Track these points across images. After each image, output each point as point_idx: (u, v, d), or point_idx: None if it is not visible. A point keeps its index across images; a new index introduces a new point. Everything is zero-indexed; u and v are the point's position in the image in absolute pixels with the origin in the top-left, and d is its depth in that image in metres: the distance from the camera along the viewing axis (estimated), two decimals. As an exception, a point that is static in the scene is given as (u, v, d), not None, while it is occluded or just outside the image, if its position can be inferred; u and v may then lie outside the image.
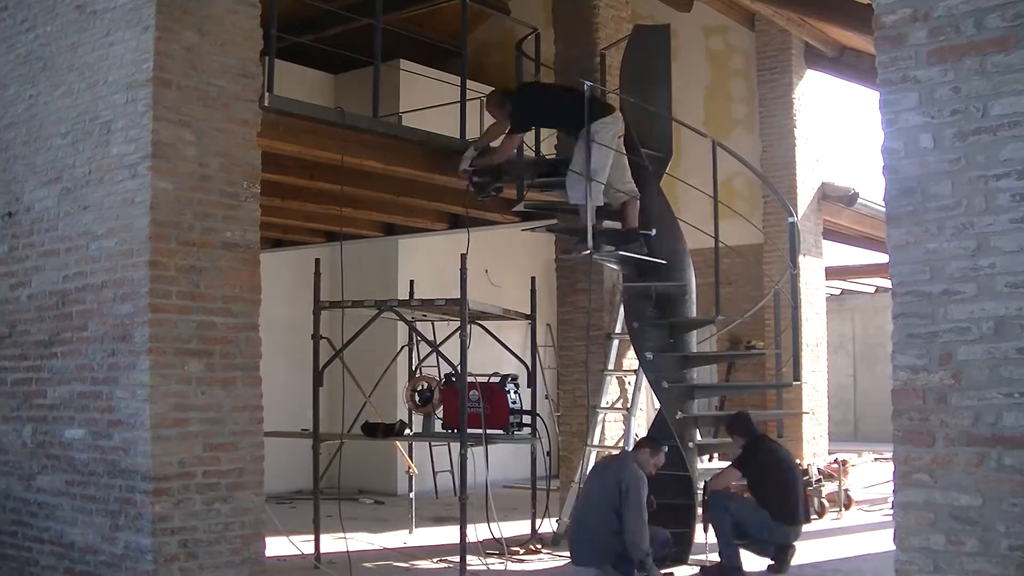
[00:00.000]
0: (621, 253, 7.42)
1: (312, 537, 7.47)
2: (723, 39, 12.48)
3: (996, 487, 3.16)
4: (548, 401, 10.39)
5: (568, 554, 6.94)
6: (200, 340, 5.14)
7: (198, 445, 5.07)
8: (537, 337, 8.70)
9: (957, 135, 3.31)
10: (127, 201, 5.11)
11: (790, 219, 8.19)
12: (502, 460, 9.84)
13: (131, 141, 5.11)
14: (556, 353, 10.14)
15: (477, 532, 7.22)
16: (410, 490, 9.09)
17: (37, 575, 5.46)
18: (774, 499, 6.90)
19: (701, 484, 7.31)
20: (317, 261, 7.79)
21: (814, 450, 11.36)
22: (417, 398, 7.81)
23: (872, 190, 11.85)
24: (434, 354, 8.05)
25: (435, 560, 7.46)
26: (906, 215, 3.42)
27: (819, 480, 9.77)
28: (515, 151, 7.31)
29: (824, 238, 12.26)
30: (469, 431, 7.03)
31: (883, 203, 3.55)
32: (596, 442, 8.44)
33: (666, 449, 6.76)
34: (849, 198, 11.91)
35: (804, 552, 7.50)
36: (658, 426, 7.55)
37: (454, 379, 7.52)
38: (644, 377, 7.83)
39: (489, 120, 7.65)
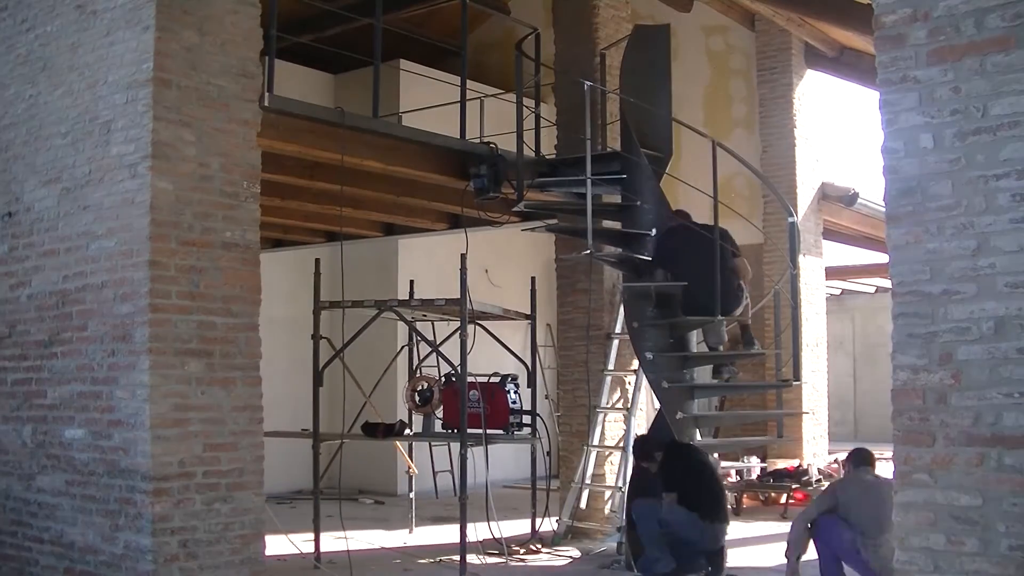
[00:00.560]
0: (622, 253, 7.43)
1: (312, 537, 7.47)
2: (723, 39, 12.48)
3: (996, 487, 3.16)
4: (548, 401, 10.40)
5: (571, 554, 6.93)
6: (200, 340, 5.14)
7: (198, 445, 5.07)
8: (537, 337, 8.70)
9: (957, 135, 3.31)
10: (127, 201, 5.11)
11: (790, 219, 8.19)
12: (502, 460, 9.84)
13: (131, 141, 5.11)
14: (556, 353, 10.15)
15: (477, 532, 7.22)
16: (410, 490, 9.09)
17: (37, 575, 5.46)
18: (702, 500, 6.77)
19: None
20: (317, 261, 7.79)
21: (814, 450, 11.36)
22: (417, 398, 7.81)
23: (872, 190, 11.86)
24: (434, 354, 8.05)
25: (435, 560, 7.46)
26: (906, 215, 3.42)
27: (819, 480, 9.76)
28: None
29: (824, 238, 12.27)
30: (469, 431, 7.03)
31: (883, 203, 3.55)
32: (596, 442, 8.44)
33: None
34: (849, 198, 11.91)
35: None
36: (658, 426, 7.55)
37: (454, 379, 7.52)
38: (644, 377, 7.82)
39: (489, 120, 7.65)
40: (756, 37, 12.08)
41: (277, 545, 7.46)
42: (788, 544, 6.13)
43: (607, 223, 7.88)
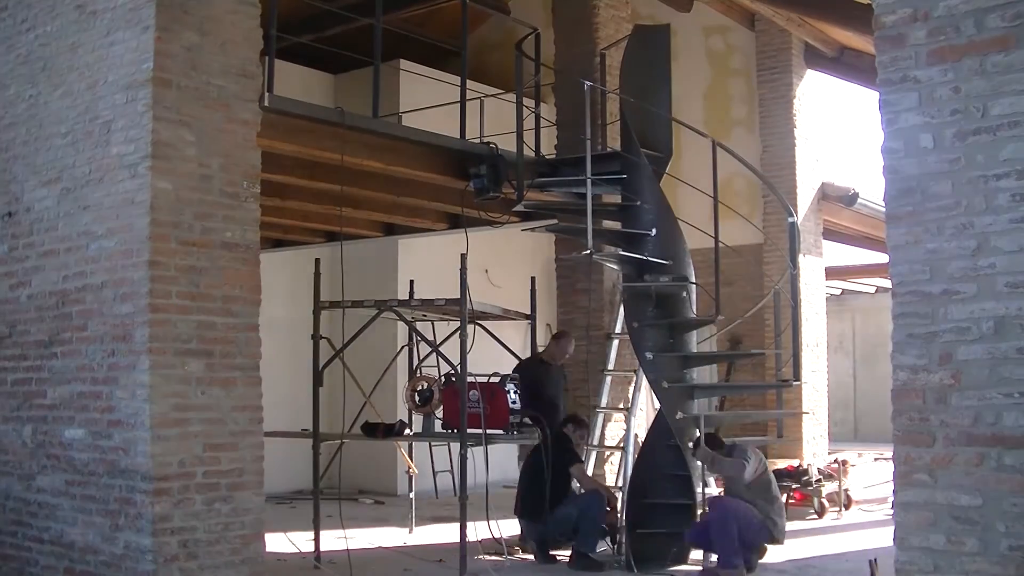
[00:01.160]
0: (621, 253, 7.43)
1: (312, 537, 7.46)
2: (723, 39, 12.49)
3: (996, 487, 3.16)
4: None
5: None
6: (200, 340, 5.14)
7: (198, 445, 5.06)
8: (537, 337, 8.70)
9: (957, 135, 3.31)
10: (127, 201, 5.11)
11: (790, 219, 8.19)
12: (502, 460, 9.83)
13: (131, 141, 5.11)
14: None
15: (477, 532, 7.22)
16: (410, 490, 9.09)
17: (37, 575, 5.46)
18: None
19: (699, 487, 7.31)
20: (317, 261, 7.79)
21: (814, 450, 11.37)
22: (417, 398, 7.81)
23: (872, 190, 11.86)
24: (434, 354, 8.05)
25: (436, 560, 7.46)
26: (906, 215, 3.42)
27: (819, 480, 9.77)
28: None
29: (824, 238, 12.27)
30: (469, 431, 7.03)
31: (883, 203, 3.56)
32: (596, 442, 8.43)
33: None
34: (849, 198, 11.92)
35: (800, 549, 7.53)
36: (658, 426, 7.55)
37: (454, 379, 7.52)
38: (644, 377, 7.82)
39: (489, 120, 7.65)
40: (756, 37, 12.08)
41: (277, 545, 7.47)
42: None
43: (607, 223, 7.89)
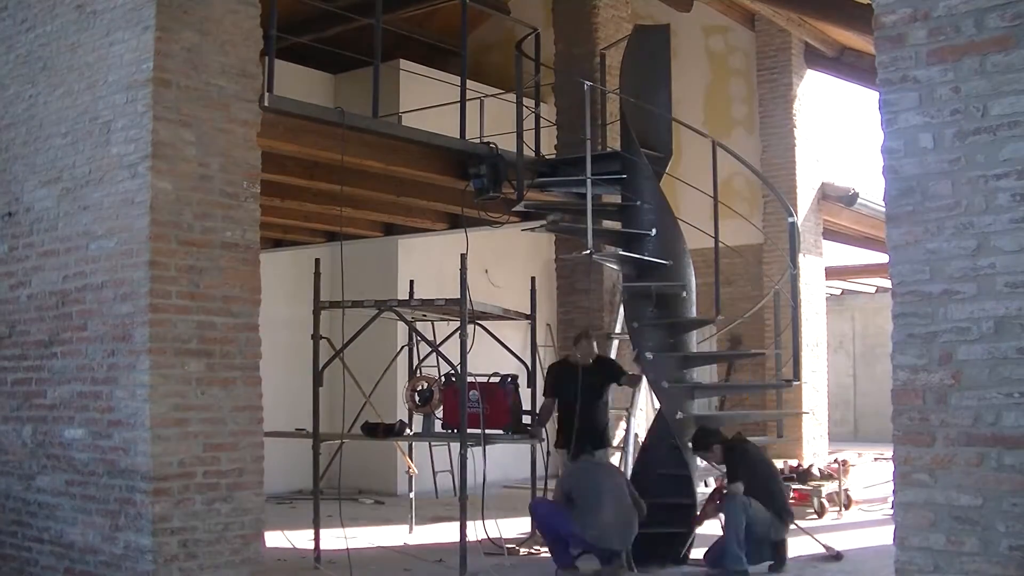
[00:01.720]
0: (622, 254, 7.43)
1: (312, 537, 7.47)
2: (723, 39, 12.49)
3: (996, 487, 3.16)
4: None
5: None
6: (200, 340, 5.14)
7: (198, 445, 5.06)
8: (537, 337, 8.70)
9: (957, 135, 3.31)
10: (127, 201, 5.11)
11: (790, 219, 8.20)
12: (502, 460, 9.84)
13: (131, 141, 5.11)
14: (556, 353, 10.15)
15: (477, 531, 7.22)
16: (410, 490, 9.09)
17: (37, 575, 5.46)
18: (770, 496, 6.93)
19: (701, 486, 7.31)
20: (317, 261, 7.79)
21: (814, 450, 11.37)
22: (417, 398, 7.81)
23: (872, 190, 11.86)
24: (434, 354, 8.05)
25: (435, 560, 7.46)
26: (906, 215, 3.42)
27: (819, 480, 9.78)
28: None
29: (824, 238, 12.28)
30: (469, 431, 7.03)
31: (883, 203, 3.56)
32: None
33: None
34: (849, 198, 11.92)
35: (801, 549, 7.54)
36: (658, 426, 7.55)
37: (454, 379, 7.51)
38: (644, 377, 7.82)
39: (489, 120, 7.64)
40: (756, 37, 12.09)
41: (277, 545, 7.48)
42: None
43: (607, 223, 7.89)
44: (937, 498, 3.28)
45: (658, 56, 8.25)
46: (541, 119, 8.26)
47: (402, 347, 8.95)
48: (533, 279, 8.75)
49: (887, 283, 3.88)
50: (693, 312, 7.72)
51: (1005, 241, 3.20)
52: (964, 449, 3.24)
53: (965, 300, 3.27)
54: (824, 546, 7.58)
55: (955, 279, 3.30)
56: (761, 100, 12.00)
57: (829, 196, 12.06)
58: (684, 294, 7.55)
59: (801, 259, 9.65)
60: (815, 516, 9.43)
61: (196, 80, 5.19)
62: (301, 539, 7.81)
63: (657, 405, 7.65)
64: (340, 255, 6.84)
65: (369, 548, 7.92)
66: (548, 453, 8.22)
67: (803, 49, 11.99)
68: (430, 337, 8.15)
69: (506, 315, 8.36)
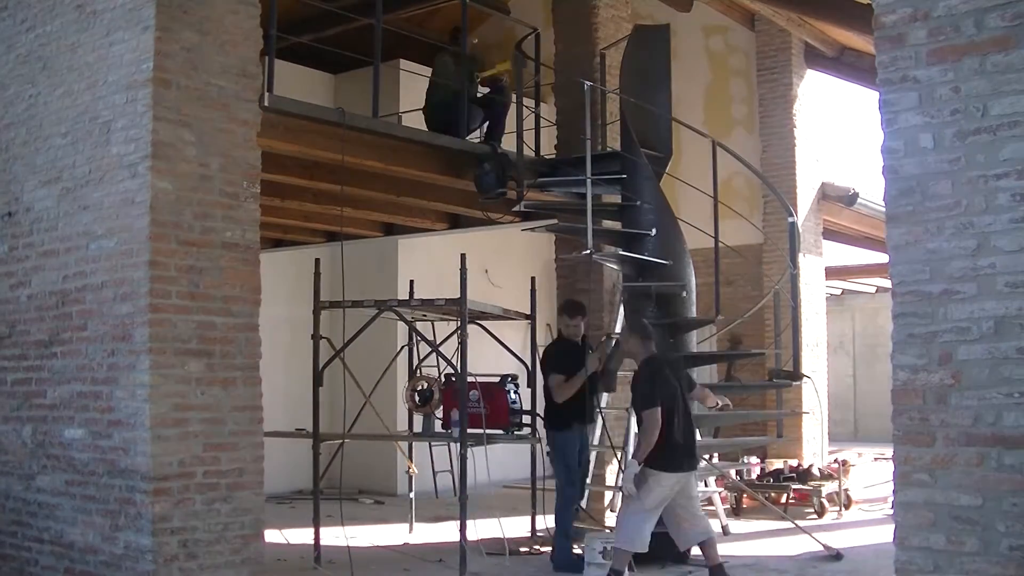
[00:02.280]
0: (621, 253, 7.43)
1: (312, 537, 7.46)
2: (723, 39, 12.49)
3: (996, 487, 3.16)
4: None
5: None
6: (200, 340, 5.14)
7: (198, 445, 5.07)
8: (537, 337, 8.69)
9: (957, 135, 3.31)
10: (127, 201, 5.11)
11: (790, 219, 8.19)
12: (502, 460, 9.84)
13: (131, 141, 5.11)
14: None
15: (477, 531, 7.22)
16: (410, 490, 9.09)
17: (37, 575, 5.46)
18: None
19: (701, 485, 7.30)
20: (317, 261, 7.78)
21: (814, 450, 11.37)
22: (417, 398, 7.81)
23: (872, 190, 11.86)
24: (434, 354, 8.05)
25: (435, 560, 7.46)
26: (906, 215, 3.42)
27: (819, 480, 9.78)
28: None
29: (824, 238, 12.27)
30: (469, 431, 7.03)
31: (883, 203, 3.56)
32: (596, 442, 8.43)
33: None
34: (849, 198, 11.92)
35: (801, 549, 7.53)
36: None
37: (454, 379, 7.51)
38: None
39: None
40: (756, 37, 12.08)
41: (277, 545, 7.47)
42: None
43: (607, 223, 7.88)
44: (937, 498, 3.29)
45: (658, 56, 8.25)
46: (541, 119, 8.26)
47: (402, 347, 8.94)
48: (533, 279, 8.74)
49: (887, 283, 3.87)
50: (693, 312, 7.72)
51: (1005, 241, 3.20)
52: (964, 449, 3.24)
53: (965, 300, 3.27)
54: (824, 546, 7.58)
55: (955, 279, 3.30)
56: (761, 100, 11.99)
57: (829, 196, 12.06)
58: (684, 294, 7.55)
59: (801, 259, 9.65)
60: (815, 516, 9.43)
61: (196, 80, 5.19)
62: (301, 539, 7.81)
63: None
64: (340, 255, 6.83)
65: (369, 548, 7.92)
66: (548, 453, 8.23)
67: (803, 49, 11.99)
68: (430, 337, 8.15)
69: (506, 315, 8.36)
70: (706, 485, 8.30)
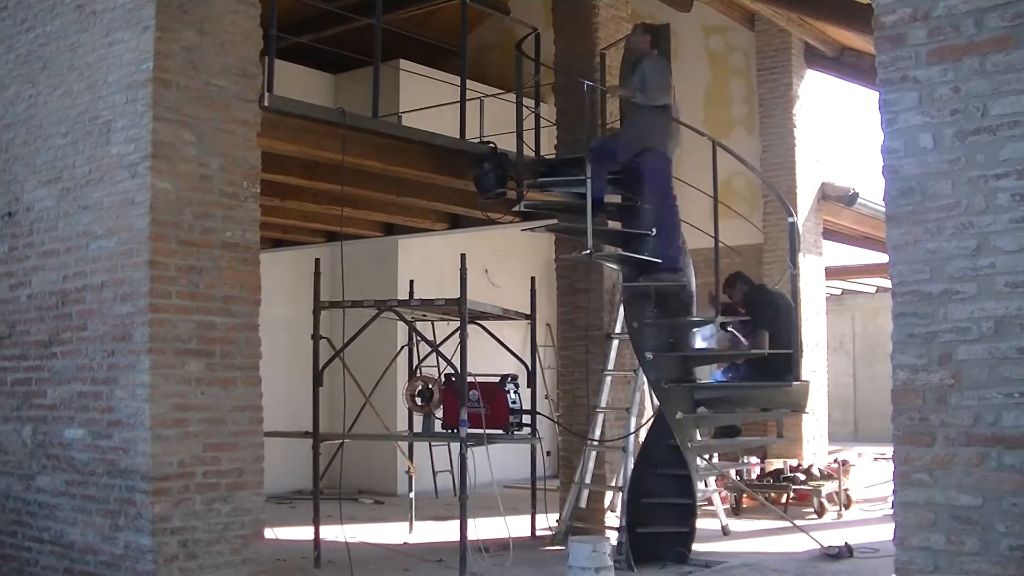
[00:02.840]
0: (621, 253, 7.43)
1: (312, 537, 7.47)
2: (723, 39, 12.48)
3: (996, 487, 3.16)
4: (548, 401, 10.40)
5: None
6: (200, 340, 5.14)
7: (198, 445, 5.06)
8: (537, 337, 8.70)
9: (957, 135, 3.31)
10: (127, 201, 5.11)
11: (790, 219, 8.20)
12: (502, 460, 9.84)
13: (131, 141, 5.11)
14: (556, 353, 10.14)
15: (478, 531, 7.22)
16: (410, 490, 9.09)
17: (37, 575, 5.46)
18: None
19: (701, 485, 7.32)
20: (317, 261, 7.79)
21: (814, 450, 11.36)
22: (417, 398, 7.81)
23: (872, 190, 11.85)
24: (434, 354, 8.05)
25: (435, 560, 7.46)
26: (906, 215, 3.42)
27: (819, 480, 9.78)
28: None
29: (824, 238, 12.26)
30: (469, 431, 7.03)
31: (883, 203, 3.56)
32: (596, 441, 8.43)
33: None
34: (849, 198, 11.91)
35: (801, 549, 7.54)
36: (658, 426, 7.55)
37: (454, 379, 7.52)
38: (644, 377, 7.82)
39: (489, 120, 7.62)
40: (756, 37, 12.07)
41: (277, 545, 7.46)
42: None
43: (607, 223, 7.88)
44: (937, 498, 3.29)
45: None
46: (541, 119, 8.26)
47: (402, 347, 8.95)
48: (533, 279, 8.75)
49: (887, 283, 3.88)
50: (693, 312, 7.72)
51: (1005, 241, 3.20)
52: (964, 449, 3.24)
53: (965, 300, 3.27)
54: (823, 546, 7.58)
55: (955, 279, 3.30)
56: (761, 100, 11.98)
57: (829, 196, 12.05)
58: (684, 294, 7.55)
59: (801, 259, 9.64)
60: (815, 516, 9.43)
61: (196, 80, 5.18)
62: (301, 539, 7.81)
63: (657, 404, 7.65)
64: (340, 255, 6.84)
65: (369, 548, 7.92)
66: (548, 453, 8.24)
67: (803, 49, 11.98)
68: (430, 337, 8.15)
69: (506, 315, 8.36)
70: (706, 485, 8.30)
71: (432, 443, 8.81)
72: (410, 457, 9.10)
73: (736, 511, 9.67)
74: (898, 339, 3.42)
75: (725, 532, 8.63)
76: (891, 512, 4.25)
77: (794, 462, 10.52)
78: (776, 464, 10.53)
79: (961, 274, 3.29)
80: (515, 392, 7.81)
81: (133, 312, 5.02)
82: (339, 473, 8.27)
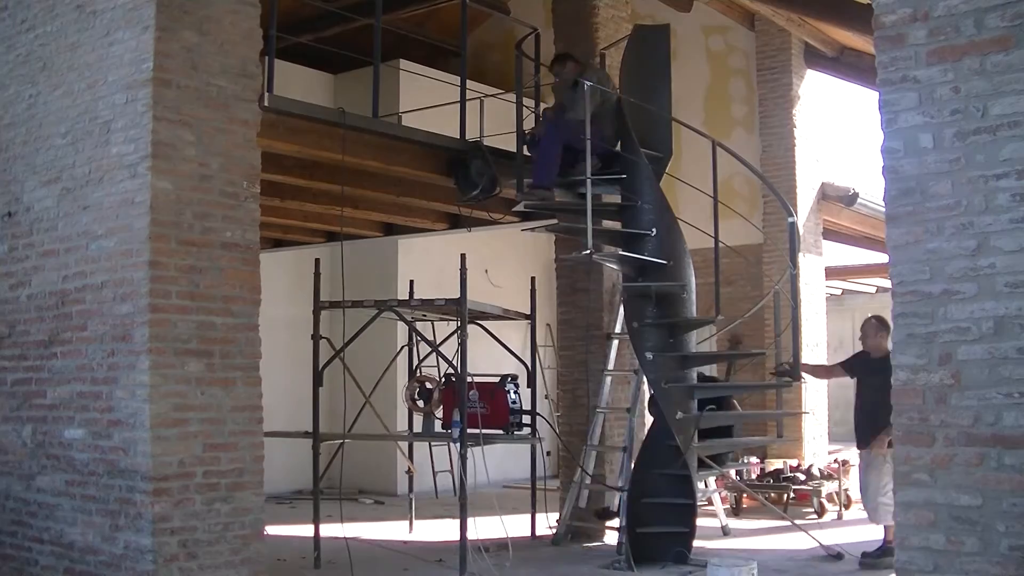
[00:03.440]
0: (621, 253, 7.43)
1: (312, 537, 7.47)
2: (723, 39, 12.48)
3: (996, 487, 3.16)
4: (548, 401, 10.39)
5: None
6: (200, 340, 5.13)
7: (198, 445, 5.06)
8: (537, 337, 8.70)
9: (957, 135, 3.31)
10: (127, 201, 5.11)
11: (790, 219, 8.20)
12: (502, 460, 9.84)
13: (131, 141, 5.10)
14: (556, 353, 10.13)
15: (478, 530, 7.22)
16: (410, 490, 9.09)
17: (37, 575, 5.46)
18: None
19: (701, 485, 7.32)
20: (317, 261, 7.79)
21: (814, 450, 11.37)
22: (417, 398, 7.81)
23: (872, 190, 11.86)
24: (434, 354, 8.05)
25: (435, 560, 7.46)
26: (906, 215, 3.42)
27: (819, 480, 9.77)
28: None
29: (824, 238, 12.27)
30: (469, 431, 7.03)
31: (883, 203, 3.56)
32: (596, 442, 8.43)
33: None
34: (849, 198, 11.91)
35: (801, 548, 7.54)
36: (658, 426, 7.55)
37: (454, 379, 7.52)
38: (644, 377, 7.82)
39: (489, 120, 7.60)
40: (756, 37, 12.08)
41: (277, 545, 7.46)
42: None
43: (607, 223, 7.88)
44: (937, 498, 3.29)
45: (658, 56, 8.25)
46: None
47: (402, 347, 8.95)
48: (533, 279, 8.75)
49: (887, 283, 3.88)
50: (693, 312, 7.72)
51: (1005, 241, 3.20)
52: (964, 449, 3.24)
53: (965, 300, 3.27)
54: (823, 546, 7.58)
55: (955, 279, 3.30)
56: (761, 100, 11.99)
57: (829, 196, 12.05)
58: (684, 294, 7.55)
59: (801, 259, 9.65)
60: (815, 516, 9.43)
61: (196, 80, 5.18)
62: (301, 539, 7.81)
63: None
64: (340, 255, 6.83)
65: (369, 548, 7.92)
66: (548, 453, 8.24)
67: (803, 49, 11.98)
68: (430, 337, 8.15)
69: (506, 315, 8.36)
70: (706, 485, 8.29)
71: (432, 443, 8.81)
72: (410, 457, 9.10)
73: (736, 511, 9.67)
74: (898, 339, 3.42)
75: (725, 532, 8.63)
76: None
77: (794, 462, 10.53)
78: (776, 464, 10.53)
79: (961, 274, 3.29)
80: (515, 392, 7.81)
81: (133, 312, 5.02)
82: (339, 473, 8.27)
